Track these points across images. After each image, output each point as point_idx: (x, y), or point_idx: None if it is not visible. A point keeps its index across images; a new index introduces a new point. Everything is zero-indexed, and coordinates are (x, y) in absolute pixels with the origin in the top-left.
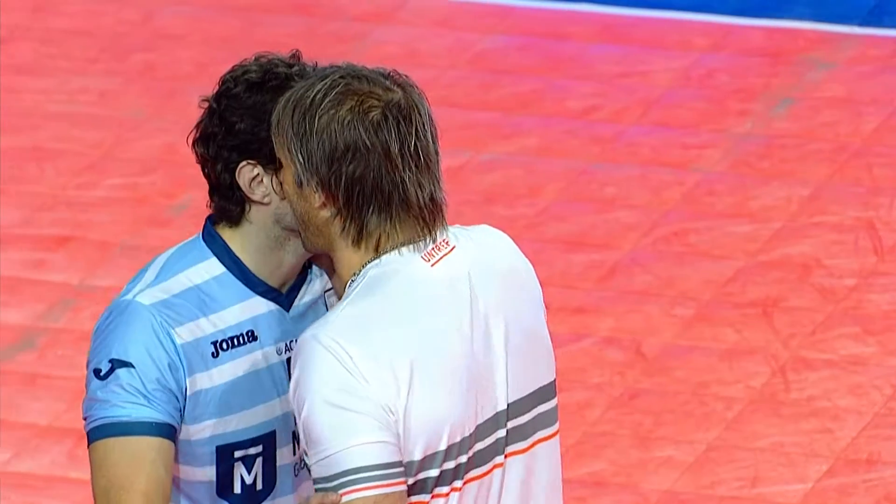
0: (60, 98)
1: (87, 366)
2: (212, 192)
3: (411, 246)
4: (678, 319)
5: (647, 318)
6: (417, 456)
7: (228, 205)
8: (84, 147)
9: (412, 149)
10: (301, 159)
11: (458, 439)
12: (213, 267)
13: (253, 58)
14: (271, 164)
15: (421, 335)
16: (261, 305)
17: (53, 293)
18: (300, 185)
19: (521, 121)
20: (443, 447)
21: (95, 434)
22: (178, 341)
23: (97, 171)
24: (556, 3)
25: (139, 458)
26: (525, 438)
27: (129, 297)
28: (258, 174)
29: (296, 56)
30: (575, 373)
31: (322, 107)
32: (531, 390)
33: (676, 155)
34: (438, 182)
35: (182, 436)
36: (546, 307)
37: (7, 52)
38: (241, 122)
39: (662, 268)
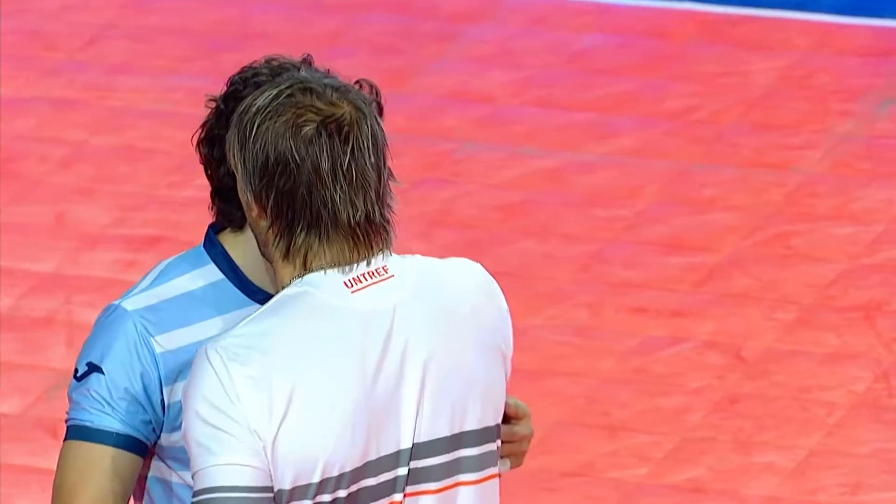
0: (152, 97)
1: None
2: (213, 195)
3: (338, 268)
4: (778, 323)
5: (746, 322)
6: (287, 485)
7: (230, 208)
8: (175, 146)
9: (345, 167)
10: (240, 168)
11: (335, 473)
12: (210, 273)
13: (263, 60)
14: None
15: (310, 363)
16: None
17: None
18: (243, 192)
19: (618, 121)
20: (315, 479)
21: (67, 432)
22: (158, 350)
23: (188, 171)
24: (655, 1)
25: (91, 465)
26: (437, 480)
27: (118, 301)
28: None
29: (307, 60)
30: (673, 377)
31: (262, 116)
32: (451, 433)
33: (777, 156)
34: (379, 203)
35: (169, 443)
36: (643, 310)
37: (98, 51)
38: None
39: (762, 271)
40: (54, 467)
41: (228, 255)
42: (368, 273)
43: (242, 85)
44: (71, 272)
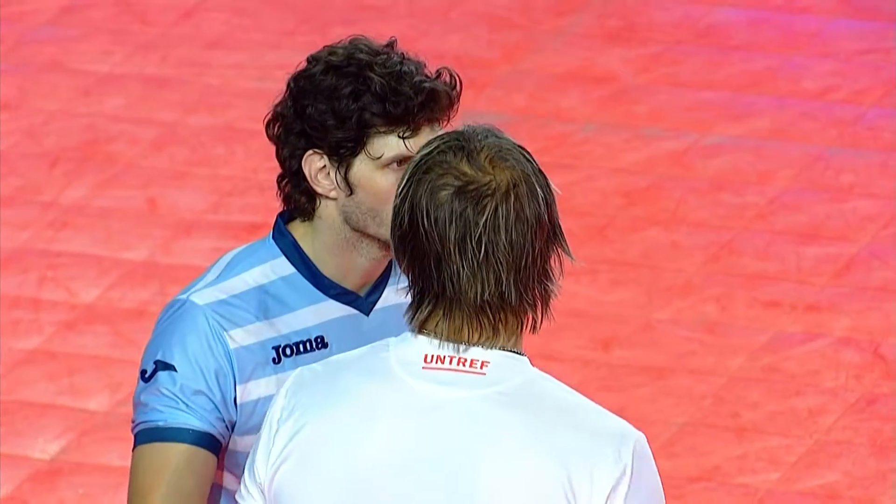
0: (253, 74)
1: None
2: (280, 178)
3: (437, 339)
4: None
5: (886, 317)
6: None
7: (296, 194)
8: None
9: (475, 240)
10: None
11: None
12: (281, 266)
13: (347, 39)
14: (336, 155)
15: (329, 414)
16: (334, 310)
17: None
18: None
19: (752, 101)
20: None
21: (136, 440)
22: (231, 346)
23: None
24: None
25: (165, 465)
26: None
27: (185, 295)
28: (324, 165)
29: (391, 45)
30: (808, 376)
31: (413, 168)
32: None
33: None
34: (519, 286)
35: (238, 447)
36: (776, 304)
37: (195, 24)
38: (312, 105)
39: None
40: None
41: (300, 247)
42: (459, 360)
43: (314, 63)
44: (164, 261)
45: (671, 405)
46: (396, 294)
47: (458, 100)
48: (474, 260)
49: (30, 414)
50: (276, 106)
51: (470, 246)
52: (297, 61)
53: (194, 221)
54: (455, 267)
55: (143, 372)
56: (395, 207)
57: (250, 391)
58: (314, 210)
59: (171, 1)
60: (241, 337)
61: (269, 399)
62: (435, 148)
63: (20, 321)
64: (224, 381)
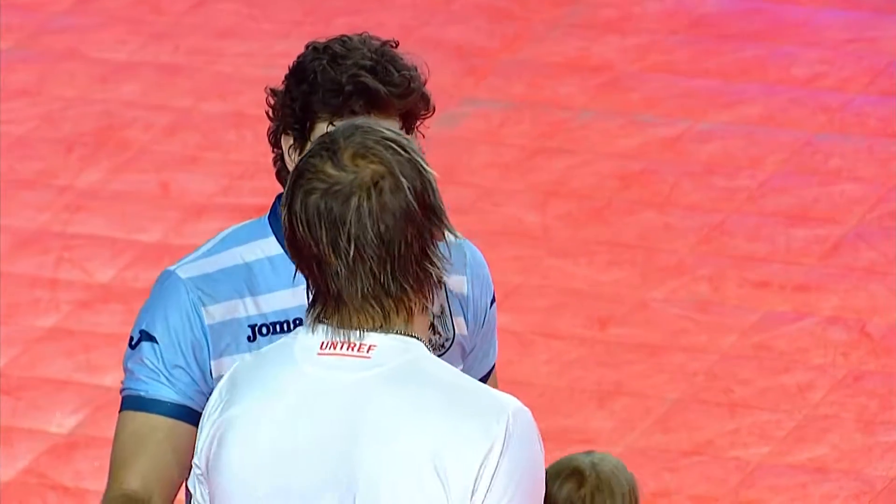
0: (262, 62)
1: None
2: (275, 160)
3: (332, 330)
4: None
5: (872, 297)
6: None
7: (283, 172)
8: None
9: (345, 239)
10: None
11: None
12: (269, 247)
13: (361, 34)
14: (295, 137)
15: (246, 404)
16: None
17: None
18: None
19: (742, 89)
20: None
21: (122, 404)
22: (207, 321)
23: None
24: None
25: (147, 435)
26: None
27: (173, 267)
28: (292, 143)
29: (390, 43)
30: (796, 353)
31: (294, 176)
32: None
33: None
34: (397, 276)
35: None
36: (766, 284)
37: (206, 15)
38: (285, 88)
39: (890, 244)
40: None
41: None
42: (349, 345)
43: (312, 56)
44: (176, 242)
45: (665, 381)
46: None
47: (413, 101)
48: (347, 258)
49: (48, 390)
50: (272, 89)
51: (342, 245)
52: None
53: (205, 204)
54: (333, 267)
55: (131, 339)
56: (280, 216)
57: (224, 366)
58: None
59: None
60: (219, 313)
61: None
62: (307, 153)
63: (39, 300)
64: (200, 356)
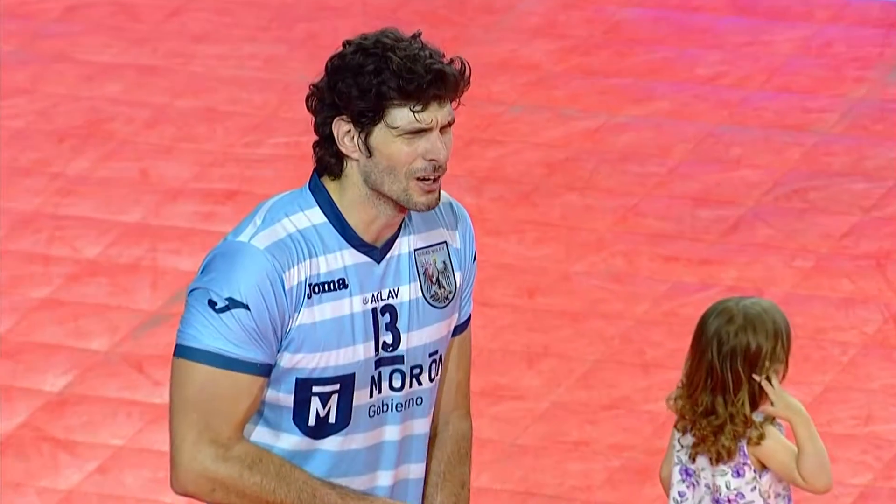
0: (232, 63)
1: (196, 291)
2: (315, 145)
3: None
4: (797, 270)
5: (768, 269)
6: None
7: (327, 156)
8: (251, 109)
9: None
10: None
11: None
12: (314, 215)
13: (379, 29)
14: (359, 123)
15: None
16: (354, 256)
17: None
18: None
19: (653, 86)
20: None
21: (202, 357)
22: (287, 285)
23: (263, 131)
24: None
25: (245, 392)
26: None
27: (244, 238)
28: (349, 129)
29: (415, 35)
30: None
31: None
32: None
33: (797, 118)
34: None
35: (280, 361)
36: (674, 258)
37: (182, 22)
38: (342, 81)
39: (783, 223)
40: (141, 399)
41: (332, 200)
42: None
43: (349, 45)
44: (155, 223)
45: (586, 344)
46: (401, 249)
47: (468, 84)
48: None
49: (41, 353)
50: (314, 84)
51: None
52: (269, 52)
53: (180, 189)
54: None
55: (213, 302)
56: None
57: (293, 321)
58: (342, 171)
59: (159, 1)
60: (293, 276)
61: (299, 328)
62: None
63: (34, 274)
64: (284, 316)
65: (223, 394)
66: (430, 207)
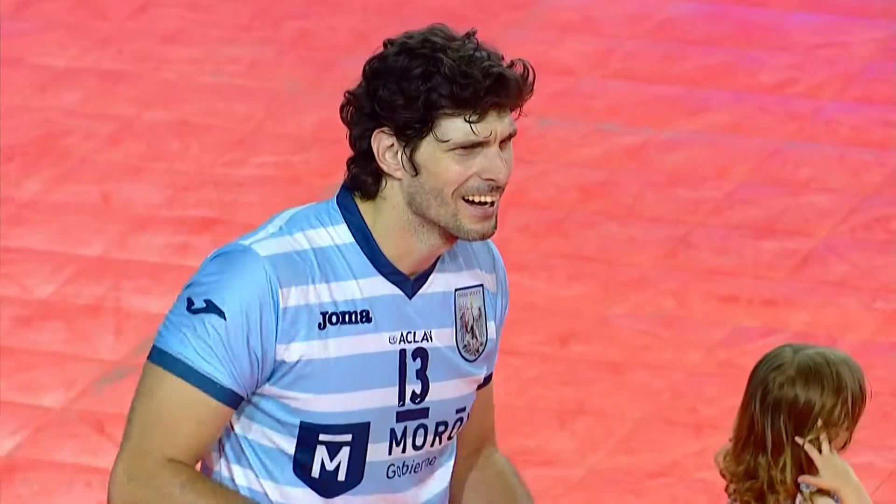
0: (208, 69)
1: (184, 286)
2: (350, 160)
3: None
4: (878, 314)
5: (844, 312)
6: None
7: (363, 174)
8: (232, 122)
9: None
10: None
11: None
12: (341, 233)
13: (427, 27)
14: (403, 136)
15: None
16: (382, 286)
17: None
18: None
19: (708, 95)
20: None
21: (162, 359)
22: (282, 304)
23: (246, 149)
24: None
25: (192, 410)
26: None
27: (248, 242)
28: (392, 144)
29: (469, 34)
30: None
31: None
32: None
33: (878, 134)
34: None
35: (264, 392)
36: (733, 298)
37: (151, 19)
38: (384, 86)
39: (862, 257)
40: (102, 465)
41: (364, 220)
42: None
43: (390, 45)
44: (119, 256)
45: (628, 400)
46: (440, 285)
47: (531, 91)
48: None
49: None
50: (350, 91)
51: None
52: (253, 56)
53: (149, 216)
54: None
55: (190, 302)
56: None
57: (292, 351)
58: (378, 191)
59: None
60: (294, 296)
61: (306, 363)
62: None
63: None
64: (266, 340)
65: (169, 405)
66: (485, 237)
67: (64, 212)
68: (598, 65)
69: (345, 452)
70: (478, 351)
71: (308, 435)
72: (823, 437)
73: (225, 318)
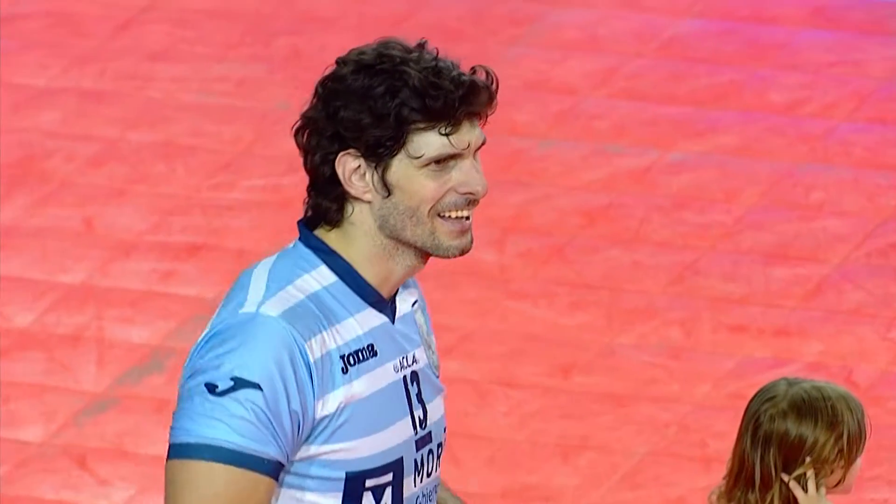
0: (195, 88)
1: (189, 378)
2: (309, 188)
3: None
4: (895, 343)
5: (859, 342)
6: None
7: (325, 202)
8: (220, 143)
9: None
10: None
11: None
12: (323, 275)
13: (375, 42)
14: (373, 156)
15: None
16: (373, 317)
17: (184, 308)
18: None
19: (716, 116)
20: None
21: (200, 452)
22: (311, 358)
23: (235, 171)
24: None
25: (250, 494)
26: None
27: (250, 309)
28: (359, 166)
29: (421, 45)
30: None
31: None
32: None
33: (894, 155)
34: None
35: (305, 456)
36: (743, 328)
37: (136, 36)
38: (345, 108)
39: (877, 284)
40: (83, 501)
41: (339, 255)
42: None
43: (344, 64)
44: (101, 284)
45: (634, 434)
46: (403, 303)
47: (496, 97)
48: None
49: None
50: (305, 113)
51: None
52: (242, 75)
53: (133, 242)
54: None
55: (213, 386)
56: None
57: (329, 403)
58: (343, 218)
59: (108, 12)
60: (317, 348)
61: (341, 412)
62: None
63: None
64: (306, 397)
65: (225, 496)
66: (464, 252)
67: (44, 237)
68: (602, 84)
69: (388, 494)
70: (437, 366)
71: (354, 485)
72: (810, 474)
73: (261, 389)
